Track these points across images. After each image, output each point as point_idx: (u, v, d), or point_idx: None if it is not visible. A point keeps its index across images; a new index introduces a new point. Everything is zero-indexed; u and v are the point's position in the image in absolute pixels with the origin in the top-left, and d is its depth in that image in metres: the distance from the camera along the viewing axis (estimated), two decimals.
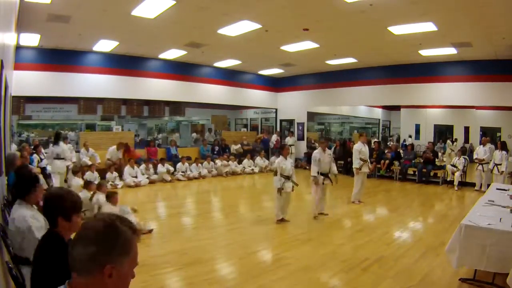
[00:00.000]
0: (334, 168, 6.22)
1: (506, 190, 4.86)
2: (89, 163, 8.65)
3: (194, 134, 14.86)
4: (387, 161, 10.43)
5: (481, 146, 8.72)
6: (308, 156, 12.82)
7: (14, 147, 6.90)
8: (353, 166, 7.09)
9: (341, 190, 9.06)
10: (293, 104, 13.78)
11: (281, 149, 6.12)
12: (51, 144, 7.16)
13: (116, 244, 0.98)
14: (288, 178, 5.55)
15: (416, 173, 9.88)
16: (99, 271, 0.95)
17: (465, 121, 10.71)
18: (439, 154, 10.24)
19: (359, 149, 7.06)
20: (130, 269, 1.02)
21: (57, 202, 1.79)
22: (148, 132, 15.55)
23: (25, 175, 2.75)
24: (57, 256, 1.62)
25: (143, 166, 9.21)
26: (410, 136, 11.61)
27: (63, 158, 7.05)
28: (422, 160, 9.86)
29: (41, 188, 3.08)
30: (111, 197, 4.81)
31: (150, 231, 4.75)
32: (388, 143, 12.49)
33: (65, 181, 8.02)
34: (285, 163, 5.61)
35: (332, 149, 12.34)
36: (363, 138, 7.25)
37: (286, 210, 5.71)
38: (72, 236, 1.88)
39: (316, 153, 6.08)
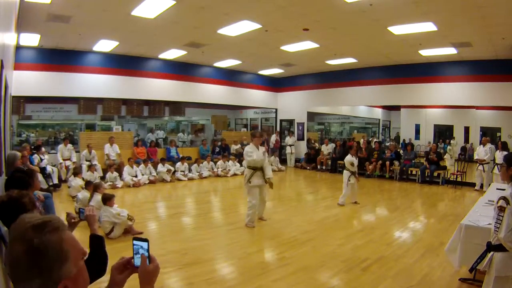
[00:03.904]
0: (270, 172, 5.40)
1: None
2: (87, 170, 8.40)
3: (180, 134, 14.64)
4: (387, 162, 10.41)
5: (481, 146, 8.72)
6: (309, 157, 12.88)
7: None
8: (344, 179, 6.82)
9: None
10: (293, 104, 13.79)
11: (252, 137, 5.48)
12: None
13: (52, 261, 0.86)
14: (259, 170, 5.20)
15: (416, 172, 9.88)
16: None
17: (465, 121, 10.70)
18: (443, 153, 10.25)
19: (351, 161, 6.79)
20: (78, 264, 0.92)
21: (17, 203, 1.75)
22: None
23: (21, 173, 2.80)
24: None
25: (142, 166, 9.20)
26: (410, 139, 11.56)
27: None
28: (425, 161, 9.82)
29: (37, 176, 3.17)
30: (107, 200, 4.80)
31: (140, 234, 4.70)
32: (387, 143, 12.49)
33: (65, 181, 8.06)
34: (256, 153, 5.19)
35: (333, 149, 12.40)
36: (353, 151, 7.06)
37: (261, 209, 5.50)
38: None
39: (248, 148, 5.34)
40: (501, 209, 2.28)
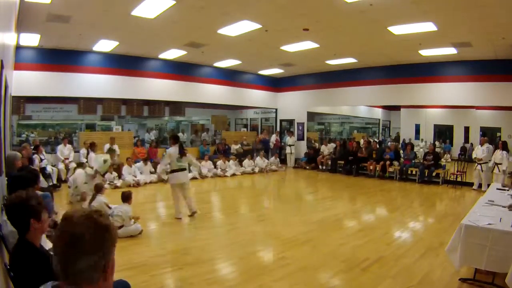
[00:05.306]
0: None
1: (506, 190, 4.87)
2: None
3: (180, 134, 14.73)
4: (387, 162, 10.40)
5: (479, 145, 8.73)
6: (308, 157, 12.87)
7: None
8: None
9: (343, 190, 9.08)
10: (293, 104, 13.79)
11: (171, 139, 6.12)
12: None
13: (111, 240, 1.00)
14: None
15: (416, 172, 9.87)
16: (101, 274, 0.97)
17: (465, 121, 10.70)
18: (441, 154, 10.23)
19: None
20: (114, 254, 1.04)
21: (25, 205, 1.76)
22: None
23: (25, 174, 2.80)
24: (32, 267, 1.63)
25: (148, 164, 9.24)
26: (409, 139, 11.54)
27: None
28: (424, 162, 9.80)
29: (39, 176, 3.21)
30: (128, 197, 4.83)
31: (140, 232, 4.69)
32: (388, 144, 12.49)
33: (65, 181, 8.04)
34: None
35: (333, 149, 12.39)
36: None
37: (192, 205, 5.74)
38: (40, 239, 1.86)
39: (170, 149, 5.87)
40: None
